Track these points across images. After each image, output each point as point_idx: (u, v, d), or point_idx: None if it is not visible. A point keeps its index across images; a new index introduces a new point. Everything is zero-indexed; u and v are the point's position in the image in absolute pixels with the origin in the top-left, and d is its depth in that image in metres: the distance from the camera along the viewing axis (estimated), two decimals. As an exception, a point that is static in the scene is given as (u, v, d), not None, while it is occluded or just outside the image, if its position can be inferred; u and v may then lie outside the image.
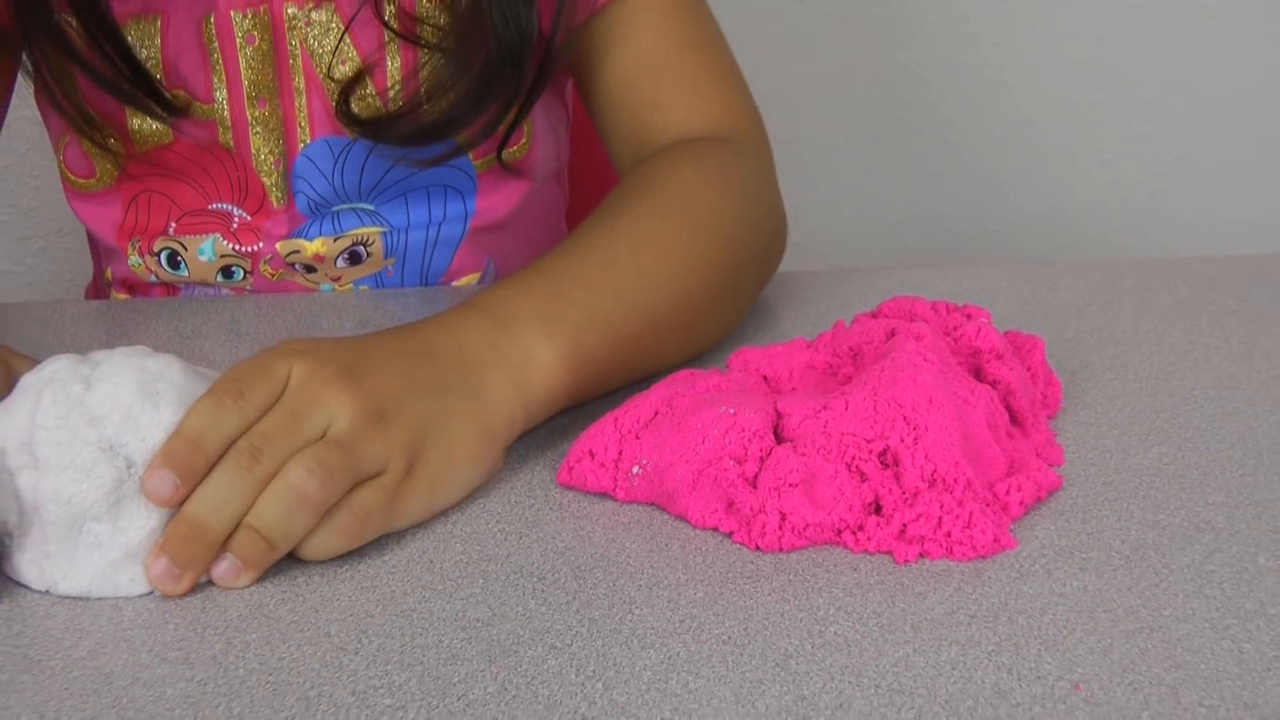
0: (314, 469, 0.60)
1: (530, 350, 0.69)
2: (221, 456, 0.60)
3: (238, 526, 0.59)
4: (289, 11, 0.90)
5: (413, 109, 0.89)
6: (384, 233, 0.96)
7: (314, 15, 0.90)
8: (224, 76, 0.91)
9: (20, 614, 0.59)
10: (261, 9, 0.90)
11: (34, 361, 0.67)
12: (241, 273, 0.96)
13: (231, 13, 0.89)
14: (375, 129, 0.90)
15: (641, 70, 0.92)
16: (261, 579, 0.60)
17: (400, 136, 0.90)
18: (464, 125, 0.90)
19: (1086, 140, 1.50)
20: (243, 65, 0.91)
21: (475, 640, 0.56)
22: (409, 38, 0.89)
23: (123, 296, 1.01)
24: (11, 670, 0.55)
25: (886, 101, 1.47)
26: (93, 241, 1.05)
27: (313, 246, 0.95)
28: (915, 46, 1.44)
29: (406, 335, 0.68)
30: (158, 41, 0.90)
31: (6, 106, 0.96)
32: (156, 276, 0.97)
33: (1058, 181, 1.51)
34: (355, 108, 0.90)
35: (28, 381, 0.62)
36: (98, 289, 1.08)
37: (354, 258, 0.96)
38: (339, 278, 0.97)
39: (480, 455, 0.66)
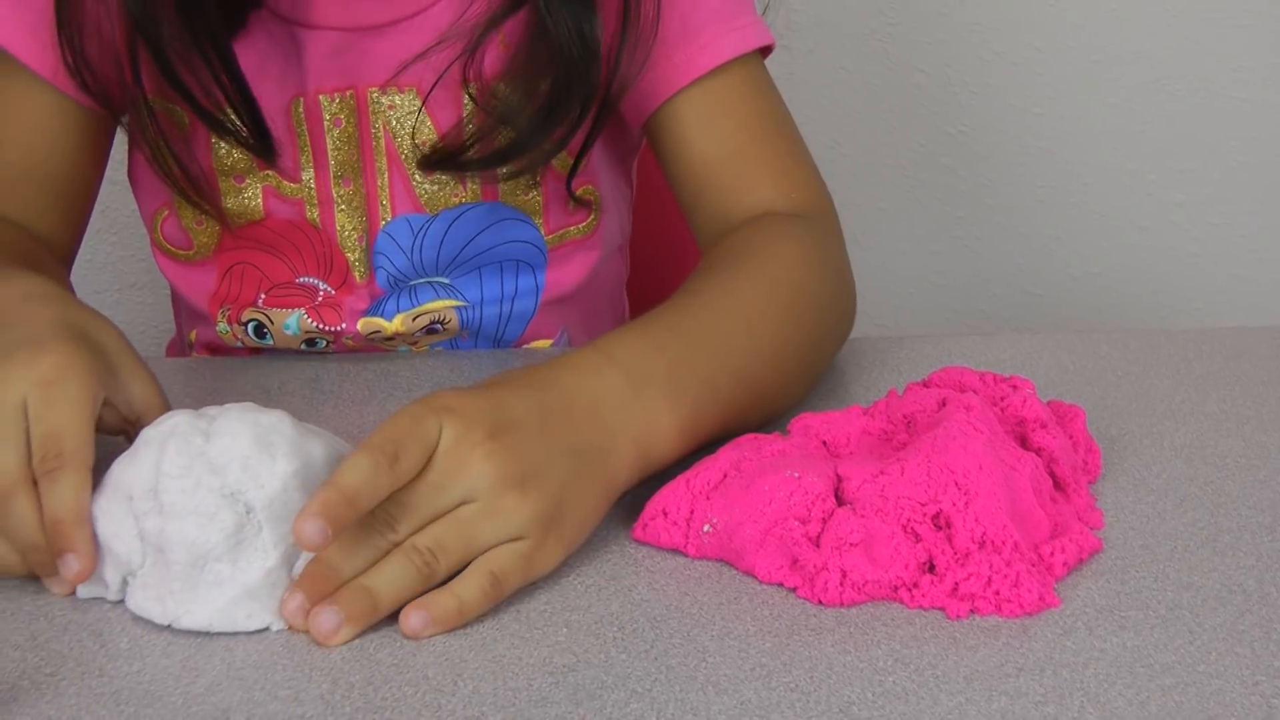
0: (435, 549, 0.66)
1: (656, 417, 0.74)
2: None
3: (351, 586, 0.65)
4: (372, 95, 0.95)
5: (483, 136, 0.94)
6: (459, 308, 1.01)
7: (396, 99, 0.95)
8: (311, 157, 0.96)
9: (139, 652, 0.64)
10: (348, 93, 0.95)
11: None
12: (324, 343, 1.01)
13: (320, 97, 0.95)
14: (446, 159, 0.95)
15: (727, 151, 0.96)
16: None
17: (471, 164, 0.95)
18: (531, 148, 0.94)
19: (1124, 207, 1.55)
20: (329, 146, 0.96)
21: (562, 685, 0.61)
22: (488, 109, 0.94)
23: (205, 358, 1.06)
24: (136, 704, 0.60)
25: (931, 168, 1.52)
26: (176, 302, 1.11)
27: (392, 326, 1.00)
28: (959, 116, 1.49)
29: (544, 386, 0.72)
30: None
31: (100, 179, 1.02)
32: (242, 343, 1.02)
33: (1096, 247, 1.55)
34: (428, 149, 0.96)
35: (150, 435, 0.67)
36: (180, 347, 1.13)
37: (430, 333, 1.01)
38: (416, 342, 1.02)
39: (601, 514, 0.72)
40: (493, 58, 0.94)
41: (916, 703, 0.59)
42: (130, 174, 1.03)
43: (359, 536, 0.65)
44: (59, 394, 0.68)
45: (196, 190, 0.96)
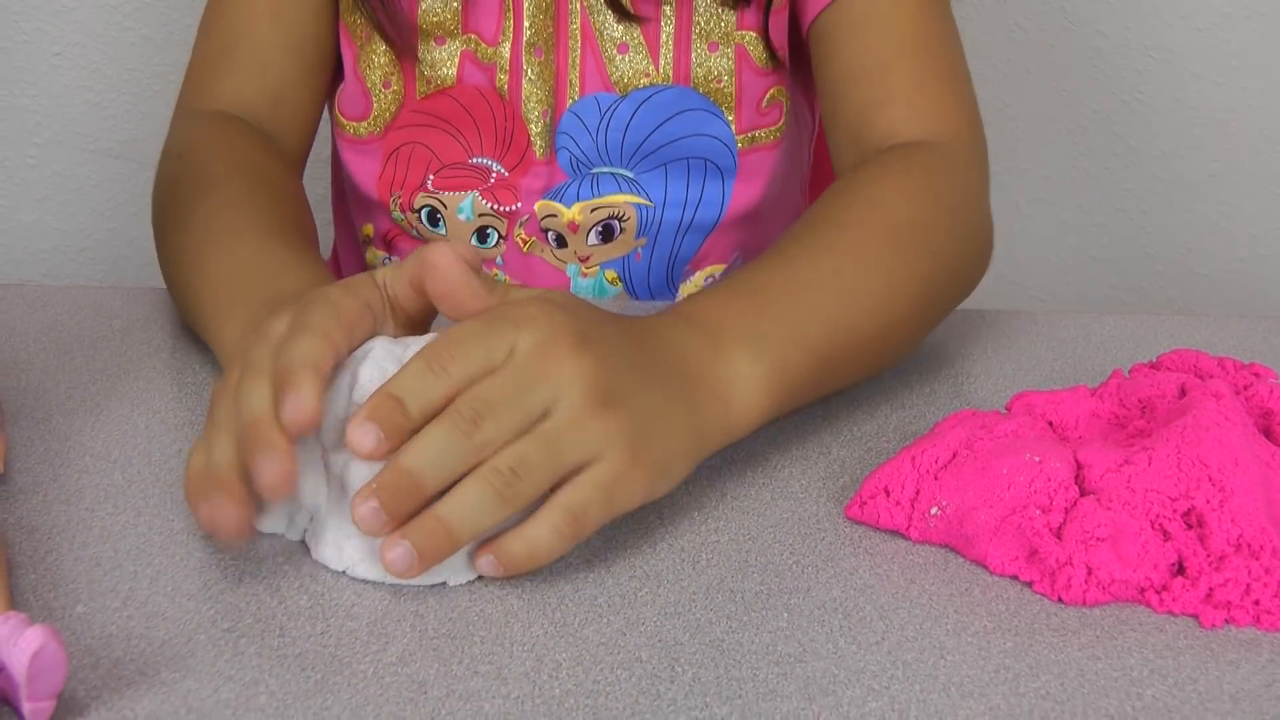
0: (518, 467, 0.59)
1: (737, 371, 0.68)
2: (433, 417, 0.59)
3: (425, 515, 0.59)
4: None
5: None
6: (640, 206, 0.96)
7: None
8: (511, 23, 0.93)
9: (321, 612, 0.59)
10: None
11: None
12: (496, 236, 0.98)
13: None
14: None
15: (871, 65, 0.91)
16: (560, 598, 0.60)
17: None
18: None
19: (1302, 187, 1.47)
20: (527, 14, 0.93)
21: (791, 677, 0.55)
22: None
23: (380, 254, 1.03)
24: (324, 670, 0.55)
25: (1102, 136, 1.45)
26: (345, 203, 1.07)
27: (569, 213, 0.97)
28: (1136, 82, 1.42)
29: (633, 328, 0.66)
30: None
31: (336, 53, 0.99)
32: (417, 232, 0.99)
33: (1269, 227, 1.48)
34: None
35: (347, 359, 0.62)
36: (344, 254, 1.09)
37: (607, 232, 0.97)
38: (588, 257, 0.98)
39: (691, 461, 0.65)
40: None
41: (1183, 721, 0.54)
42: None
43: (440, 440, 0.59)
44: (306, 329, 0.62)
45: (399, 34, 0.94)
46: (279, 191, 0.87)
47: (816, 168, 1.10)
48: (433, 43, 0.95)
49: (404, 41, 0.94)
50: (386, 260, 1.03)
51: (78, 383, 0.78)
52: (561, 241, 0.98)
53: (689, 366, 0.67)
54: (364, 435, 0.58)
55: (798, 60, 0.98)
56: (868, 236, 0.78)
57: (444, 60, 0.95)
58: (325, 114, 1.01)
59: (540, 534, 0.60)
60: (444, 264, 0.63)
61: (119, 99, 1.36)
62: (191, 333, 0.83)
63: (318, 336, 0.60)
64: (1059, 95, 1.43)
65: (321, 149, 1.04)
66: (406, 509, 0.58)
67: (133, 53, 1.36)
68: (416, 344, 0.62)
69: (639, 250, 0.98)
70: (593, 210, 0.97)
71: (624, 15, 0.93)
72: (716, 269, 1.00)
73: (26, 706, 0.50)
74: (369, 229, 1.03)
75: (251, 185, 0.85)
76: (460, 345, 0.60)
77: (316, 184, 1.15)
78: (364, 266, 1.05)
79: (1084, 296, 1.50)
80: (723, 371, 0.68)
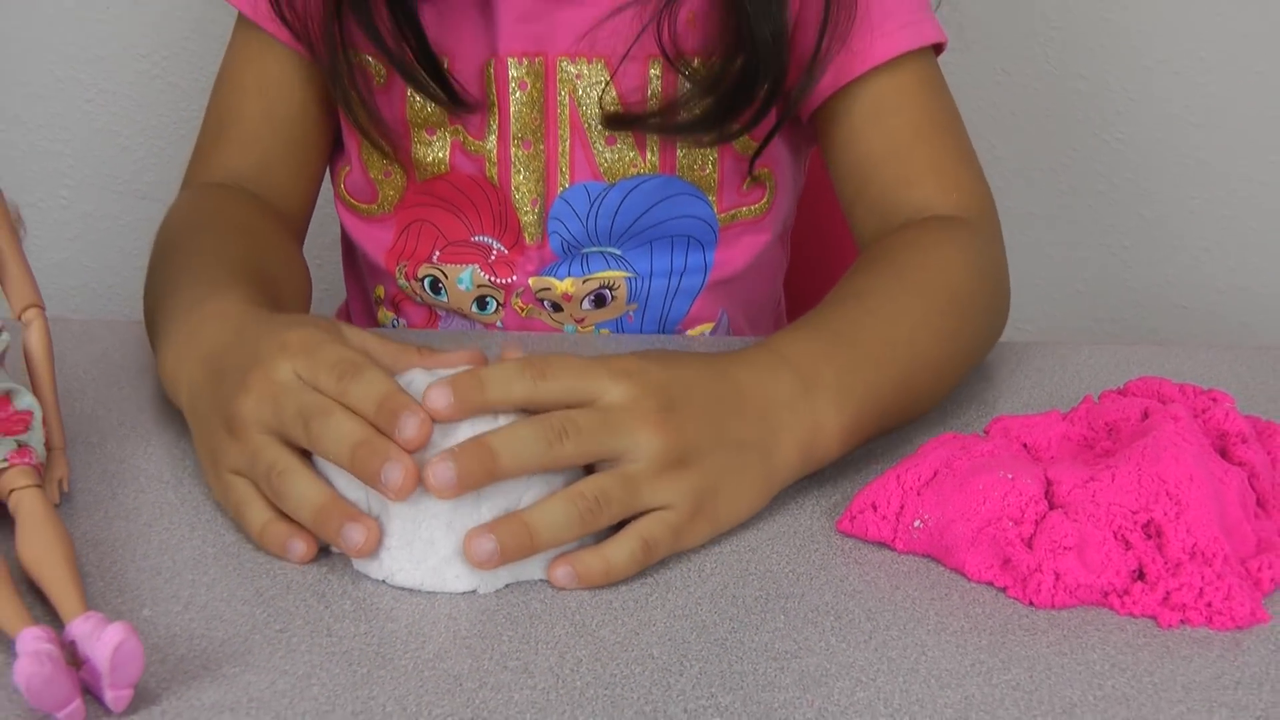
0: (600, 497, 0.67)
1: (823, 420, 0.75)
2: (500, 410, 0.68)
3: (512, 516, 0.66)
4: (561, 63, 0.97)
5: (675, 103, 0.97)
6: (629, 278, 1.02)
7: (584, 68, 0.97)
8: (497, 117, 0.98)
9: (364, 614, 0.65)
10: (536, 59, 0.97)
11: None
12: (495, 304, 1.04)
13: (509, 59, 0.97)
14: (628, 123, 0.98)
15: (894, 147, 0.97)
16: (579, 603, 0.66)
17: (653, 128, 0.98)
18: (714, 129, 0.97)
19: (1277, 223, 1.54)
20: (512, 109, 0.98)
21: (787, 671, 0.62)
22: (683, 71, 0.96)
23: (390, 315, 1.09)
24: (368, 665, 0.61)
25: (1084, 175, 1.51)
26: (353, 267, 1.13)
27: (562, 285, 1.02)
28: (1117, 124, 1.49)
29: (719, 377, 0.73)
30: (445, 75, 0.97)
31: (332, 135, 1.06)
32: (421, 299, 1.06)
33: (1246, 260, 1.55)
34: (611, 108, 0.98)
35: None
36: (355, 309, 1.16)
37: (599, 300, 1.03)
38: (583, 319, 1.04)
39: (758, 507, 0.73)
40: (681, 35, 0.95)
41: (1139, 709, 0.60)
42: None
43: (527, 436, 0.66)
44: (322, 348, 0.70)
45: (385, 137, 0.99)
46: (251, 237, 0.93)
47: (800, 216, 1.15)
48: (424, 132, 1.00)
49: (392, 144, 1.00)
50: (396, 322, 1.10)
51: (128, 410, 0.84)
52: (557, 308, 1.04)
53: (775, 408, 0.74)
54: (440, 394, 0.66)
55: (786, 141, 1.04)
56: (933, 306, 0.86)
57: (437, 149, 1.00)
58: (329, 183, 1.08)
59: (618, 556, 0.68)
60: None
61: (147, 143, 1.43)
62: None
63: (378, 371, 0.68)
64: (1043, 137, 1.50)
65: (329, 208, 1.10)
66: (475, 480, 0.65)
67: (161, 99, 1.43)
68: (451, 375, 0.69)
69: (630, 313, 1.05)
70: (585, 282, 1.03)
71: (616, 125, 0.99)
72: (706, 327, 1.07)
73: (109, 695, 0.57)
74: (380, 290, 1.10)
75: (221, 232, 0.93)
76: (555, 367, 0.68)
77: (325, 232, 1.21)
78: (375, 322, 1.12)
79: (1068, 327, 1.56)
80: (808, 421, 0.75)
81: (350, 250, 1.13)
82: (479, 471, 0.65)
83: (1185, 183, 1.51)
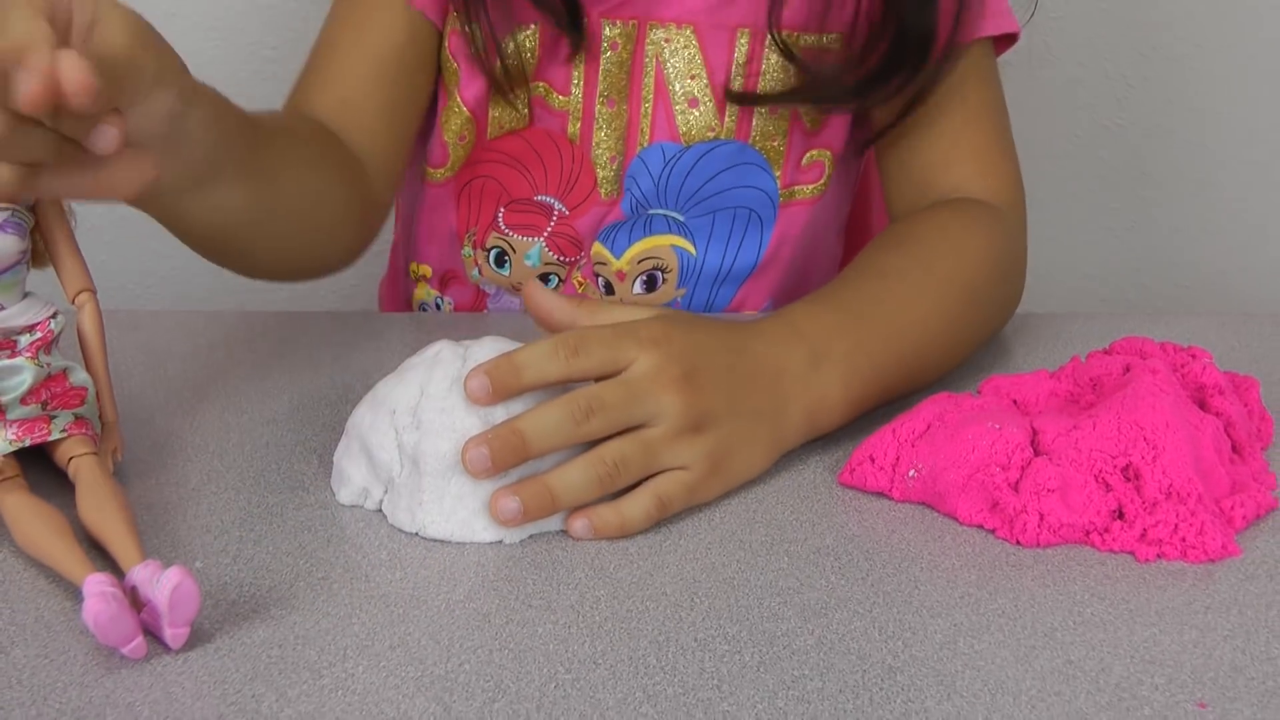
0: (619, 461, 0.73)
1: (829, 392, 0.81)
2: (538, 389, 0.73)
3: (535, 479, 0.71)
4: (651, 27, 1.03)
5: (810, 86, 1.02)
6: (682, 254, 1.08)
7: (674, 33, 1.03)
8: (583, 74, 1.04)
9: (399, 562, 0.71)
10: (630, 23, 1.03)
11: None
12: (556, 280, 1.09)
13: (603, 20, 1.02)
14: (750, 100, 1.04)
15: (944, 126, 1.02)
16: (598, 548, 0.72)
17: (799, 101, 1.04)
18: (857, 99, 1.03)
19: (1276, 203, 1.58)
20: (602, 67, 1.04)
21: (790, 604, 0.67)
22: (792, 59, 1.01)
23: (433, 292, 1.14)
24: (404, 606, 0.67)
25: (1087, 160, 1.56)
26: (400, 237, 1.18)
27: (618, 263, 1.08)
28: (1117, 109, 1.54)
29: (737, 349, 0.79)
30: (536, 41, 1.03)
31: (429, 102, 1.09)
32: (480, 271, 1.11)
33: (1247, 242, 1.59)
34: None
35: (415, 360, 0.75)
36: (396, 285, 1.21)
37: (650, 283, 1.08)
38: (633, 305, 1.09)
39: (765, 467, 0.79)
40: (792, 10, 1.01)
41: (1114, 631, 0.65)
42: None
43: (554, 418, 0.72)
44: None
45: (508, 75, 1.03)
46: (308, 134, 0.96)
47: (854, 216, 1.20)
48: (504, 93, 1.04)
49: (513, 80, 1.03)
50: (439, 300, 1.15)
51: (172, 389, 0.89)
52: (609, 289, 1.09)
53: (786, 380, 0.80)
54: (478, 385, 0.72)
55: (846, 124, 1.08)
56: (949, 292, 0.91)
57: (518, 105, 1.05)
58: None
59: (633, 511, 0.73)
60: (537, 293, 0.78)
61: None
62: (271, 346, 0.95)
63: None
64: (1044, 124, 1.54)
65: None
66: (508, 461, 0.71)
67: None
68: (478, 347, 0.74)
69: (678, 300, 1.10)
70: (639, 261, 1.08)
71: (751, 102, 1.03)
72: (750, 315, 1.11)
73: (168, 632, 0.62)
74: (426, 269, 1.14)
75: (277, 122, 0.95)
76: (588, 344, 0.74)
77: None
78: (409, 301, 1.17)
79: (1074, 309, 1.61)
80: (815, 389, 0.81)
81: (405, 224, 1.17)
82: (510, 454, 0.71)
83: (1185, 166, 1.56)
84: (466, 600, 0.67)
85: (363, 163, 0.99)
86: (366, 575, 0.69)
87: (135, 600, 0.64)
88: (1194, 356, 0.83)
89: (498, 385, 0.72)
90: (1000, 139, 1.04)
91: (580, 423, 0.72)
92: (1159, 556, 0.71)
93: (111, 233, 1.48)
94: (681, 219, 1.08)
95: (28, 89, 0.57)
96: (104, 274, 0.81)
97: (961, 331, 0.92)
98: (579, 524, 0.73)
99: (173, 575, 0.62)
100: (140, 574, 0.64)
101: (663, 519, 0.74)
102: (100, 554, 0.69)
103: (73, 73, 0.57)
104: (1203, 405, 0.81)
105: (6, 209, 0.75)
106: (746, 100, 1.03)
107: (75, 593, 0.65)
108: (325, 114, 0.99)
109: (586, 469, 0.73)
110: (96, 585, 0.62)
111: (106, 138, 0.62)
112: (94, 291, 0.79)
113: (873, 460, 0.77)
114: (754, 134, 1.05)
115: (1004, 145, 1.04)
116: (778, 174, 1.07)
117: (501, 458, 0.71)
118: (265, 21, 1.44)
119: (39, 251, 0.78)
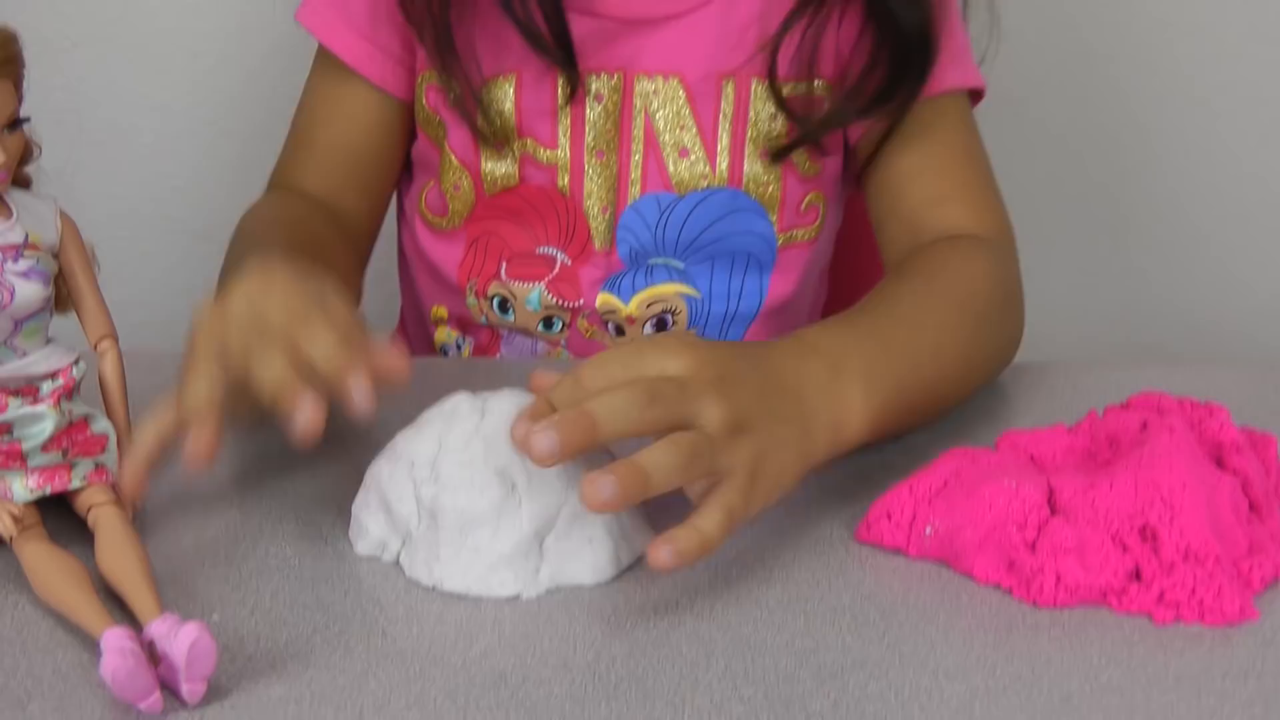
0: (693, 449, 0.70)
1: (851, 404, 0.80)
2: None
3: (625, 460, 0.69)
4: (639, 79, 1.04)
5: (819, 126, 1.05)
6: (690, 300, 1.09)
7: (661, 84, 1.04)
8: (569, 128, 1.05)
9: (415, 618, 0.71)
10: (615, 76, 1.04)
11: None
12: (560, 324, 1.10)
13: (588, 75, 1.04)
14: (784, 151, 1.06)
15: (929, 166, 1.06)
16: (614, 606, 0.72)
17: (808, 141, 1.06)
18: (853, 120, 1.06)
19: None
20: (589, 119, 1.05)
21: (806, 665, 0.67)
22: (782, 106, 1.04)
23: (454, 334, 1.15)
24: (421, 663, 0.67)
25: (1109, 204, 1.56)
26: (410, 290, 1.20)
27: (627, 309, 1.09)
28: (1142, 153, 1.54)
29: (759, 360, 0.78)
30: (512, 95, 1.05)
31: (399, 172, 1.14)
32: (487, 318, 1.12)
33: (1261, 285, 1.59)
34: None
35: (433, 413, 0.75)
36: (410, 327, 1.22)
37: (660, 325, 1.09)
38: None
39: (794, 483, 0.77)
40: (783, 58, 1.04)
41: (1131, 698, 0.65)
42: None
43: (622, 399, 0.70)
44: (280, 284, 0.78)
45: (491, 127, 1.05)
46: (302, 226, 1.02)
47: (836, 256, 1.21)
48: (494, 147, 1.07)
49: (504, 132, 1.06)
50: (461, 340, 1.16)
51: (192, 435, 0.90)
52: (620, 331, 1.10)
53: (806, 391, 0.79)
54: (546, 439, 0.68)
55: (834, 169, 1.11)
56: (959, 315, 0.93)
57: (507, 162, 1.07)
58: (395, 203, 1.14)
59: (709, 526, 0.70)
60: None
61: (204, 186, 1.49)
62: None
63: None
64: (1066, 172, 1.55)
65: (387, 227, 1.16)
66: (576, 446, 0.68)
67: (217, 145, 1.49)
68: (496, 400, 0.75)
69: None
70: (648, 305, 1.09)
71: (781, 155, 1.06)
72: None
73: (185, 688, 0.62)
74: (442, 311, 1.16)
75: (294, 228, 1.02)
76: (606, 369, 0.73)
77: (378, 257, 1.27)
78: (430, 344, 1.18)
79: (1093, 354, 1.61)
80: (838, 399, 0.80)
81: (408, 272, 1.19)
82: (580, 437, 0.68)
83: (1211, 208, 1.56)
84: (483, 658, 0.67)
85: (355, 236, 1.10)
86: (384, 630, 0.69)
87: (153, 654, 0.64)
88: (1211, 413, 0.83)
89: (566, 441, 0.69)
90: (985, 179, 1.07)
91: (645, 408, 0.70)
92: (1176, 619, 0.71)
93: (130, 270, 1.49)
94: (681, 267, 1.09)
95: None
96: (123, 312, 0.81)
97: (974, 354, 0.93)
98: (663, 553, 0.69)
99: (190, 631, 0.62)
100: (158, 628, 0.64)
101: (731, 534, 0.71)
102: (118, 604, 0.69)
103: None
104: (1220, 463, 0.81)
105: (31, 256, 0.75)
106: (782, 153, 1.05)
107: (93, 645, 0.65)
108: (318, 194, 1.08)
109: (672, 450, 0.70)
110: (115, 640, 0.62)
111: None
112: (116, 338, 0.79)
113: (889, 517, 0.77)
114: (747, 180, 1.07)
115: (989, 184, 1.07)
116: (774, 218, 1.08)
117: (571, 442, 0.68)
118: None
119: (62, 297, 0.79)
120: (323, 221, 1.05)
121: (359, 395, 0.71)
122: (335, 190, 1.08)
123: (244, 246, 0.98)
